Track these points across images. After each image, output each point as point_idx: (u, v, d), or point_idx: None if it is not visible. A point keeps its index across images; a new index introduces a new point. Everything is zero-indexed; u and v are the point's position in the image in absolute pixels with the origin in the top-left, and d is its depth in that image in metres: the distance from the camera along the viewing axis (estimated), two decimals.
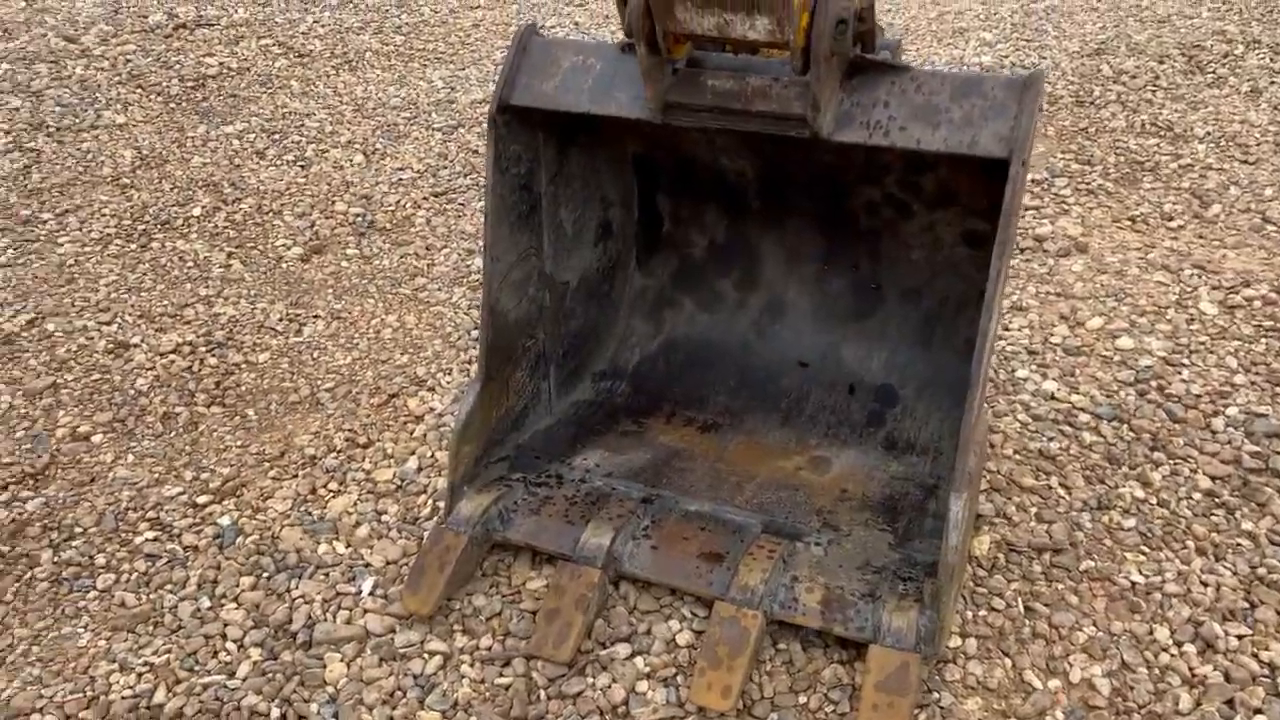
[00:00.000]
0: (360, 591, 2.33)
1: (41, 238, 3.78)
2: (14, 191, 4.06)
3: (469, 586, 2.33)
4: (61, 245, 3.73)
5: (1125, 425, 2.70)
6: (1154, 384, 2.83)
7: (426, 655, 2.18)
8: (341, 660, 2.18)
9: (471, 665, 2.16)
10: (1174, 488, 2.51)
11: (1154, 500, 2.48)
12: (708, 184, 2.79)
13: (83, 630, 2.29)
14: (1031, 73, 1.97)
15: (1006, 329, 3.08)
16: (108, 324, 3.30)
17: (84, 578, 2.42)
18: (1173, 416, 2.72)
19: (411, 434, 2.82)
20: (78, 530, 2.55)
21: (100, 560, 2.47)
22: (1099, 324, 3.07)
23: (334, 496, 2.61)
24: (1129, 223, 3.57)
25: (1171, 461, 2.58)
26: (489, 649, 2.19)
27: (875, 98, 2.04)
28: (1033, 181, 3.79)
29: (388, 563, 2.41)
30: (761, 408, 2.75)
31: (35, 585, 2.42)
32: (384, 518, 2.54)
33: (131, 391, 3.01)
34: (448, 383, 3.03)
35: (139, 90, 4.84)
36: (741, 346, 2.88)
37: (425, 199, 4.02)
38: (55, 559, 2.48)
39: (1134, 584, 2.28)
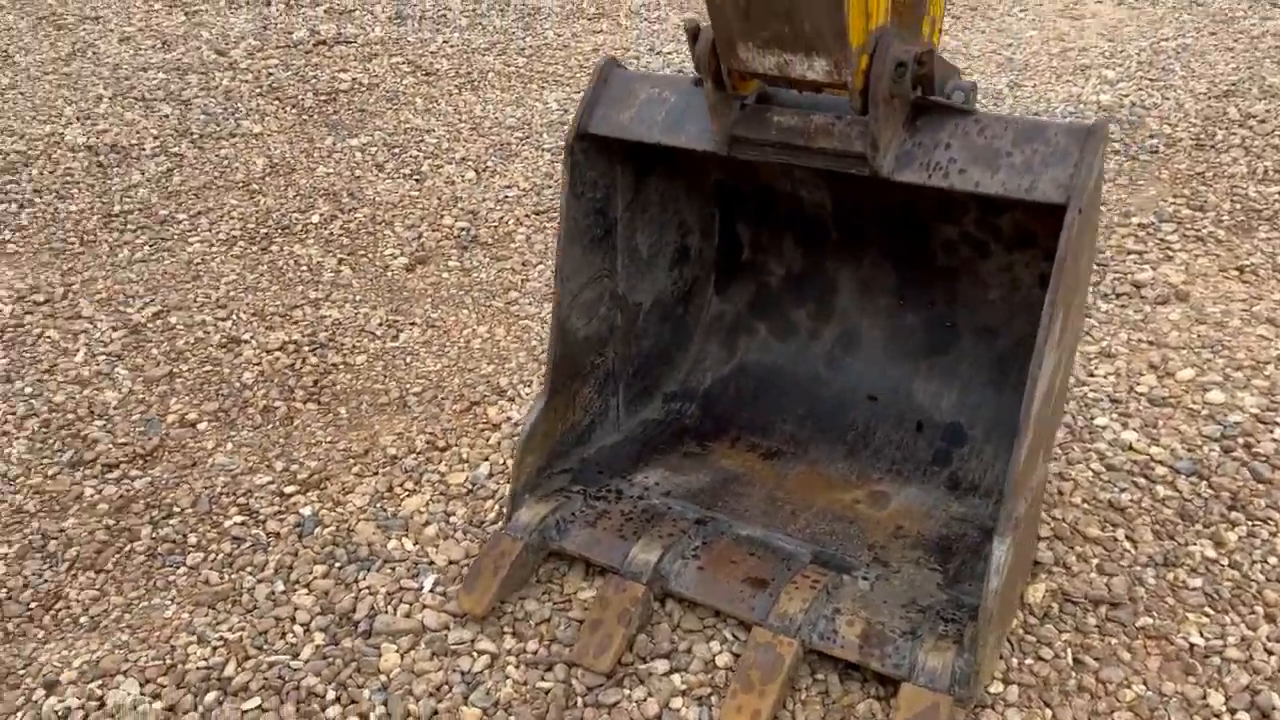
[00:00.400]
0: (421, 588, 2.45)
1: (175, 236, 4.07)
2: (156, 193, 4.38)
3: (523, 591, 2.42)
4: (191, 244, 4.01)
5: (1204, 482, 2.62)
6: (1241, 441, 2.73)
7: (475, 654, 2.28)
8: (396, 651, 2.30)
9: (516, 667, 2.24)
10: (1249, 549, 2.42)
11: (1225, 561, 2.40)
12: (786, 214, 2.83)
13: (169, 603, 2.48)
14: (1096, 120, 1.96)
15: (1091, 375, 3.02)
16: (224, 320, 3.54)
17: (176, 554, 2.62)
18: (1257, 476, 2.62)
19: (487, 441, 2.94)
20: (175, 510, 2.75)
21: (192, 539, 2.66)
22: (1190, 375, 2.98)
23: (409, 495, 2.75)
24: (1237, 273, 3.44)
25: (1250, 523, 2.49)
26: (534, 653, 2.27)
27: (938, 139, 2.06)
28: (1139, 226, 3.69)
29: (450, 562, 2.52)
30: (826, 438, 2.77)
31: (133, 558, 2.62)
32: (452, 519, 2.66)
33: (237, 384, 3.22)
34: (527, 394, 3.14)
35: (276, 102, 5.16)
36: (812, 376, 2.91)
37: (527, 216, 4.17)
38: (153, 535, 2.68)
39: (1192, 646, 2.21)
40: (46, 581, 2.56)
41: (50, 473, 2.91)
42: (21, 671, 2.32)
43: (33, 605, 2.50)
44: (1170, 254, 3.53)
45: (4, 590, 2.54)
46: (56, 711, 2.21)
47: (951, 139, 2.04)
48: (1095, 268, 3.47)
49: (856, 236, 2.79)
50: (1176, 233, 3.64)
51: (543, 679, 2.21)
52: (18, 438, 3.04)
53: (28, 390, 3.23)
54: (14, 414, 3.13)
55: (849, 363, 2.89)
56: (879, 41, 1.91)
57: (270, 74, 5.45)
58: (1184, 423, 2.81)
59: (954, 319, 2.75)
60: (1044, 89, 4.80)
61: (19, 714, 2.22)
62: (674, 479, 2.65)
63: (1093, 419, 2.84)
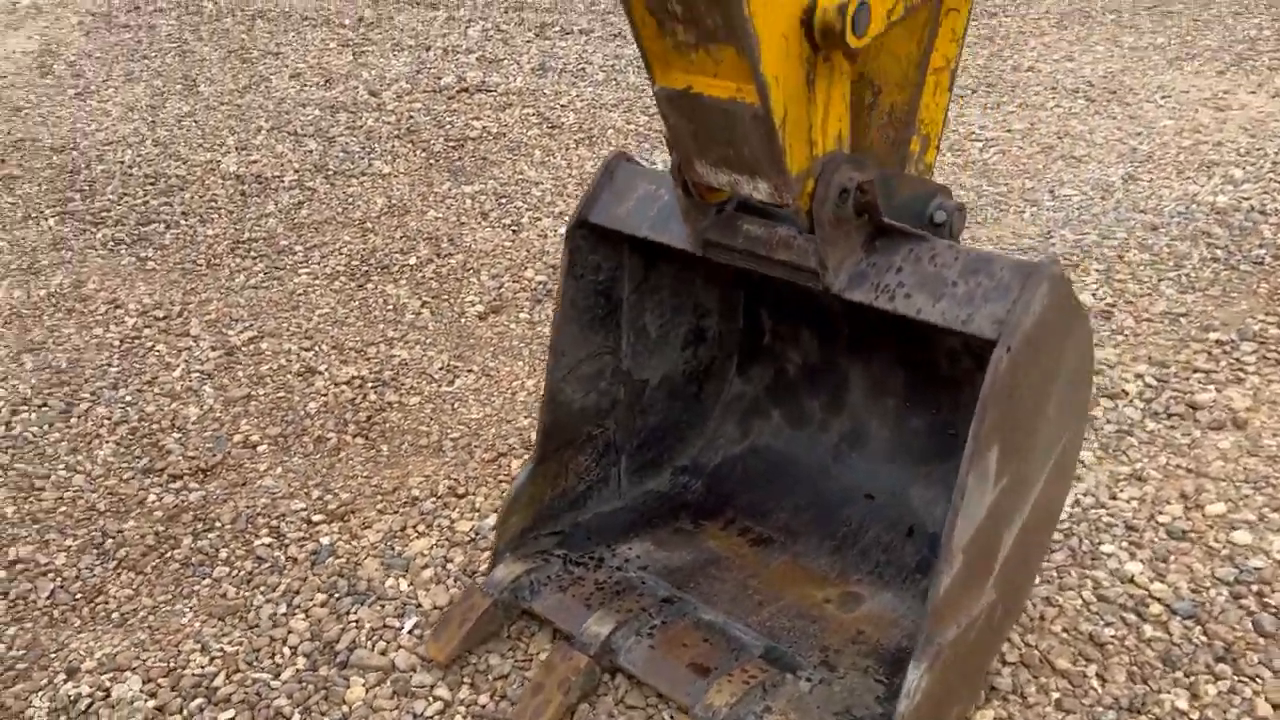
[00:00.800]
0: (402, 628, 2.64)
1: (287, 267, 4.45)
2: (282, 224, 4.80)
3: (490, 645, 2.56)
4: (299, 275, 4.38)
5: (1200, 627, 2.50)
6: (1255, 588, 2.59)
7: (431, 699, 2.44)
8: (363, 685, 2.49)
9: (465, 718, 2.39)
10: (1225, 707, 2.30)
11: (1196, 716, 2.29)
12: (802, 305, 2.89)
13: (187, 610, 2.75)
14: (1043, 259, 1.96)
15: (1114, 497, 2.92)
16: (307, 350, 3.86)
17: (205, 566, 2.90)
18: (1260, 629, 2.48)
19: (502, 493, 3.11)
20: (216, 525, 3.04)
21: (222, 554, 2.94)
22: (1220, 510, 2.84)
23: (418, 538, 2.95)
24: None
25: (1236, 678, 2.37)
26: (483, 706, 2.41)
27: (891, 262, 2.09)
28: (1215, 343, 3.52)
29: (435, 606, 2.70)
30: (817, 532, 2.80)
31: (170, 565, 2.92)
32: (449, 565, 2.84)
33: (302, 412, 3.52)
34: None
35: (410, 144, 5.54)
36: (818, 467, 2.94)
37: None
38: (192, 545, 2.97)
39: None
40: (95, 576, 2.89)
41: (125, 476, 3.27)
42: (53, 655, 2.64)
43: (78, 596, 2.83)
44: (1241, 376, 3.36)
45: (60, 579, 2.88)
46: (69, 695, 2.50)
47: (904, 263, 2.08)
48: (1152, 383, 3.34)
49: (867, 335, 2.82)
50: (1255, 354, 3.45)
51: None
52: (108, 441, 3.42)
53: (127, 398, 3.63)
54: (110, 419, 3.52)
55: (854, 459, 2.90)
56: (825, 168, 1.97)
57: (411, 117, 5.85)
58: (1198, 561, 2.69)
59: (957, 427, 2.73)
60: (1159, 185, 4.61)
61: (40, 694, 2.53)
62: (657, 554, 2.74)
63: (1099, 544, 2.76)
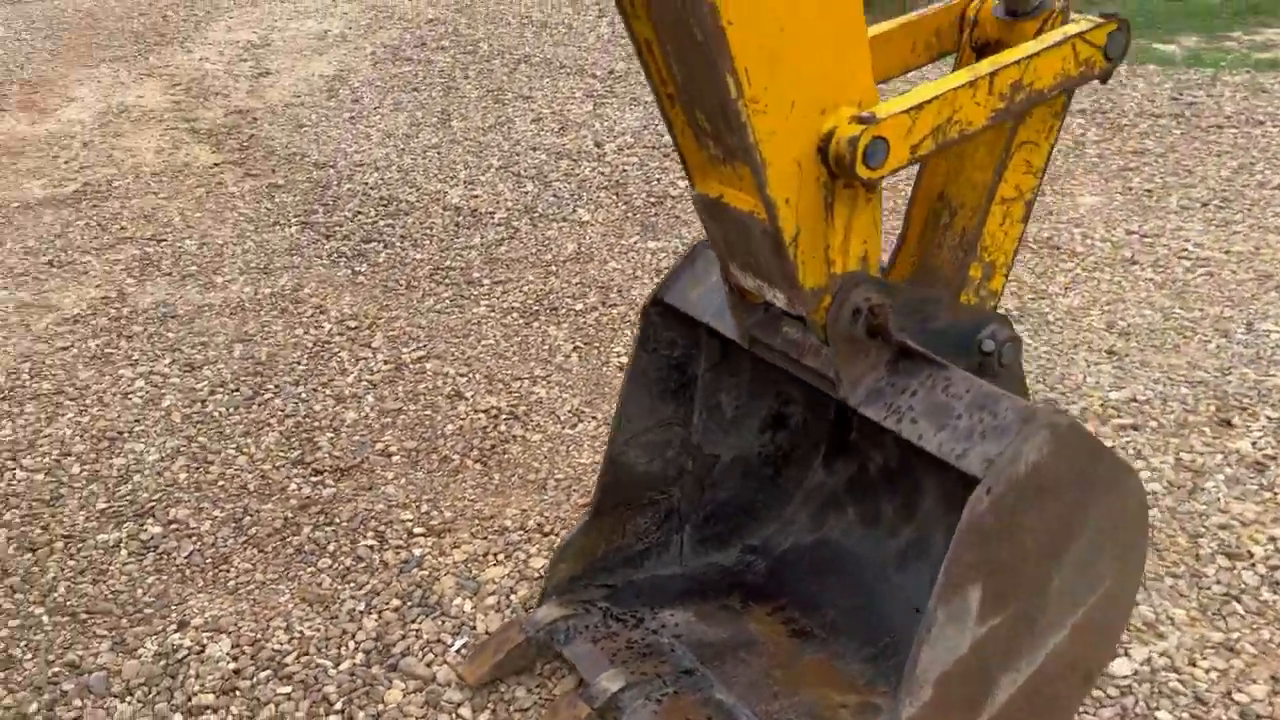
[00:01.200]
0: (451, 645, 2.88)
1: (471, 297, 4.87)
2: (481, 257, 5.24)
3: (521, 678, 2.75)
4: (479, 306, 4.78)
5: None
6: None
7: (455, 716, 2.66)
8: (402, 691, 2.74)
9: None
10: None
11: None
12: None
13: (286, 591, 3.12)
14: (1043, 406, 1.93)
15: (1192, 664, 2.72)
16: (462, 375, 4.22)
17: (313, 555, 3.27)
18: None
19: None
20: (335, 521, 3.42)
21: (330, 548, 3.30)
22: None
23: (494, 565, 3.19)
24: None
25: None
26: None
27: (908, 385, 2.12)
28: None
29: (486, 632, 2.92)
30: (860, 636, 2.79)
31: (286, 549, 3.31)
32: (512, 596, 3.06)
33: (438, 432, 3.86)
34: None
35: (614, 195, 5.88)
36: (880, 571, 2.93)
37: None
38: (309, 536, 3.36)
39: None
40: (226, 546, 3.33)
41: (277, 464, 3.72)
42: (173, 607, 3.07)
43: (208, 561, 3.27)
44: None
45: (199, 544, 3.34)
46: (173, 644, 2.92)
47: (920, 388, 2.10)
48: None
49: None
50: None
51: None
52: (275, 430, 3.91)
53: (302, 395, 4.12)
54: (282, 410, 4.01)
55: (915, 568, 2.87)
56: (842, 286, 2.04)
57: (624, 169, 6.20)
58: None
59: None
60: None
61: (154, 638, 2.96)
62: (696, 625, 2.83)
63: (1154, 710, 2.59)
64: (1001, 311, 2.40)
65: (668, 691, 2.58)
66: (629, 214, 5.68)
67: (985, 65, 2.00)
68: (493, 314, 4.71)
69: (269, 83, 8.08)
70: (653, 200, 5.83)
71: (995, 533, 1.96)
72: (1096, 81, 2.18)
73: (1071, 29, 2.09)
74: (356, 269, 5.16)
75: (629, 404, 2.72)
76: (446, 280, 5.02)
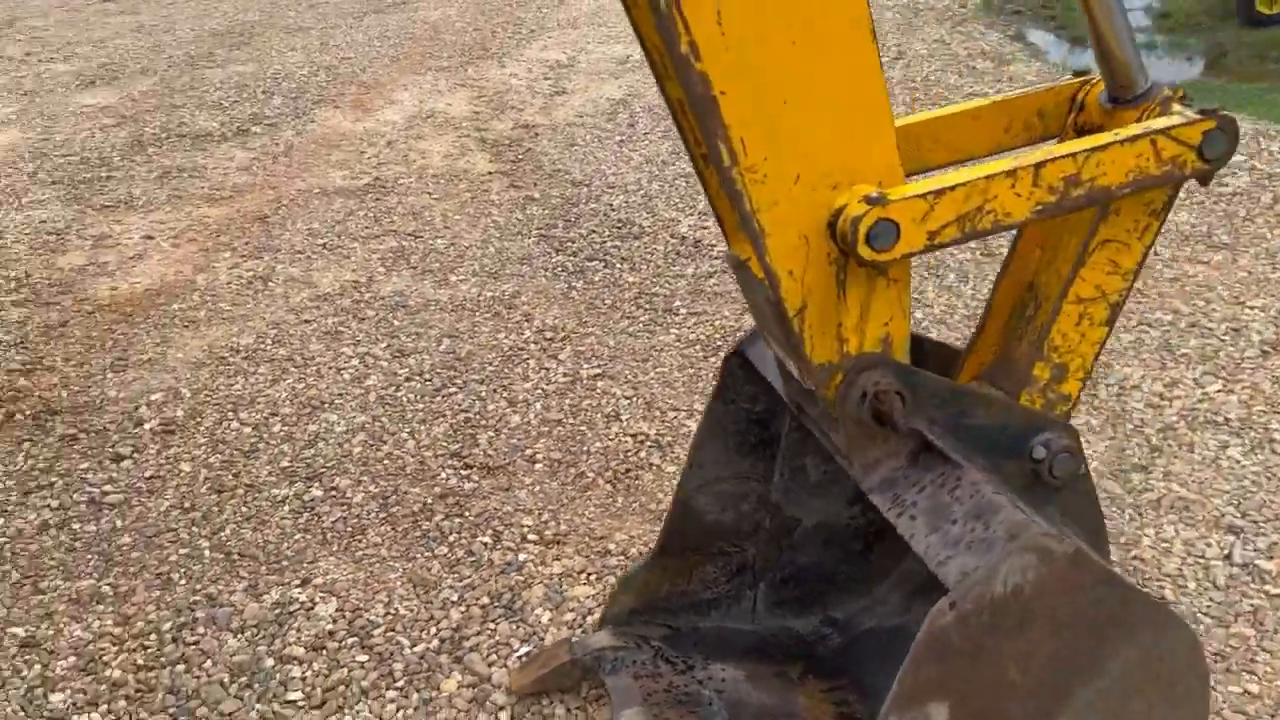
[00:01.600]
0: (515, 651, 3.02)
1: (663, 325, 5.00)
2: (688, 287, 5.37)
3: (566, 697, 2.85)
4: (668, 334, 4.91)
5: None
6: None
7: (495, 718, 2.80)
8: (457, 683, 2.92)
9: None
10: None
11: None
12: None
13: (400, 569, 3.40)
14: (1044, 527, 1.78)
15: None
16: (626, 398, 4.36)
17: (434, 542, 3.53)
18: None
19: None
20: (464, 514, 3.67)
21: (451, 538, 3.55)
22: None
23: (584, 584, 3.30)
24: None
25: None
26: None
27: (921, 479, 2.02)
28: None
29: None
30: None
31: (415, 531, 3.60)
32: (588, 617, 3.15)
33: (584, 449, 4.03)
34: None
35: None
36: None
37: None
38: (438, 523, 3.63)
39: None
40: (367, 520, 3.67)
41: (438, 452, 4.04)
42: (305, 565, 3.44)
43: (347, 530, 3.62)
44: None
45: (346, 512, 3.71)
46: (290, 598, 3.28)
47: (930, 484, 1.99)
48: None
49: None
50: None
51: None
52: (447, 422, 4.24)
53: (482, 394, 4.43)
54: (459, 405, 4.34)
55: None
56: (854, 366, 1.97)
57: None
58: None
59: None
60: None
61: (279, 588, 3.33)
62: (743, 686, 2.80)
63: None
64: (1073, 420, 2.20)
65: None
66: None
67: (1035, 154, 1.86)
68: (677, 343, 4.82)
69: (560, 101, 8.65)
70: None
71: (965, 653, 1.82)
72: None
73: (1156, 124, 1.90)
74: (572, 284, 5.45)
75: (701, 451, 2.74)
76: (648, 305, 5.19)
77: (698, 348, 4.77)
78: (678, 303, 5.20)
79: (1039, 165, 1.84)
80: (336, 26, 11.40)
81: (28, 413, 4.47)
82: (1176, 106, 1.96)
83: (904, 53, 9.26)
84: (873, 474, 2.07)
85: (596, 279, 5.51)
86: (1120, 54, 1.99)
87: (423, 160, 7.40)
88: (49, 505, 3.84)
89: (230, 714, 2.87)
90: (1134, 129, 1.89)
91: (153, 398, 4.53)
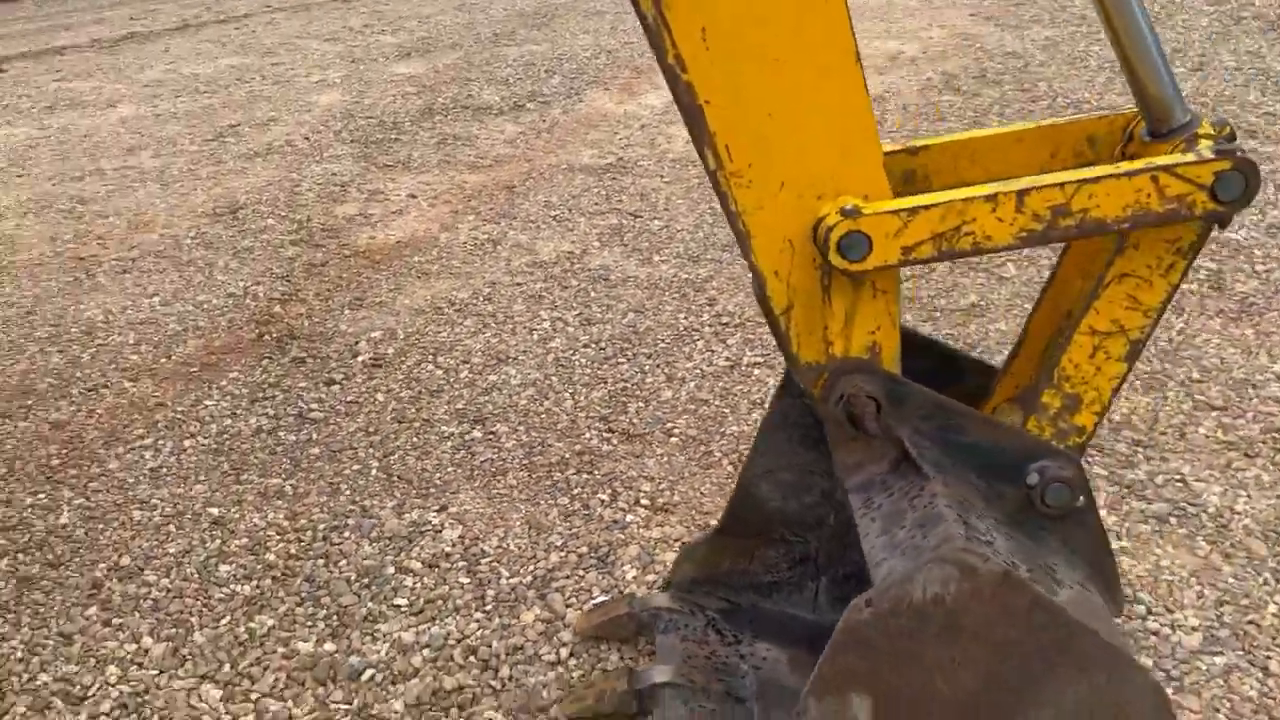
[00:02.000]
0: (595, 598, 3.30)
1: None
2: None
3: (624, 648, 3.10)
4: None
5: None
6: None
7: (558, 652, 3.10)
8: (534, 617, 3.25)
9: (558, 679, 3.02)
10: None
11: None
12: None
13: (521, 509, 3.77)
14: (959, 540, 1.83)
15: None
16: None
17: (559, 493, 3.87)
18: None
19: None
20: (593, 472, 3.98)
21: (575, 491, 3.87)
22: None
23: (674, 551, 3.51)
24: None
25: None
26: (578, 677, 3.00)
27: (894, 485, 2.10)
28: None
29: None
30: None
31: (547, 480, 3.96)
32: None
33: (722, 430, 4.22)
34: None
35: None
36: None
37: None
38: (569, 476, 3.96)
39: None
40: (509, 464, 4.06)
41: (590, 415, 4.37)
42: (446, 494, 3.89)
43: (491, 469, 4.04)
44: None
45: (495, 454, 4.12)
46: (425, 520, 3.73)
47: (899, 491, 2.06)
48: None
49: None
50: None
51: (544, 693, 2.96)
52: (607, 389, 4.56)
53: (646, 367, 4.72)
54: (623, 375, 4.66)
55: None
56: (838, 368, 2.07)
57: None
58: None
59: None
60: None
61: (418, 510, 3.80)
62: (781, 668, 2.92)
63: None
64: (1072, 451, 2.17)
65: (707, 708, 2.75)
66: None
67: (1020, 181, 1.88)
68: None
69: None
70: None
71: (885, 652, 1.90)
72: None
73: (1160, 159, 1.85)
74: None
75: (764, 439, 2.87)
76: None
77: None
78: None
79: (1023, 192, 1.86)
80: (630, 12, 12.01)
81: (274, 335, 5.26)
82: (1204, 144, 1.90)
83: (1205, 64, 8.56)
84: (855, 475, 2.16)
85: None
86: (1154, 89, 1.94)
87: (667, 145, 7.76)
88: (267, 414, 4.55)
89: (346, 606, 3.35)
90: (1136, 164, 1.86)
91: (373, 335, 5.18)
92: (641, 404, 4.43)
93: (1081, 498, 2.10)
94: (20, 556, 3.73)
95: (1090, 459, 3.85)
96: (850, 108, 1.89)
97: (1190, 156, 1.85)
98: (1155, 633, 3.07)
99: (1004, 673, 1.93)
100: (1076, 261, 2.24)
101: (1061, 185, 1.86)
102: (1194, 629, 3.07)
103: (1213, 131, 1.94)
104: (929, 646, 1.90)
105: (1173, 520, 3.52)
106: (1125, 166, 1.86)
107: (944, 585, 1.84)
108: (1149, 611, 3.14)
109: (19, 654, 3.26)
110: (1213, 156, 1.83)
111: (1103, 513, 3.55)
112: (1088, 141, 2.19)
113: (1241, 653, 2.99)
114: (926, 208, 1.88)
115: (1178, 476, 3.72)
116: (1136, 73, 1.95)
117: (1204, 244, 1.99)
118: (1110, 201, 1.86)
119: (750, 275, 2.15)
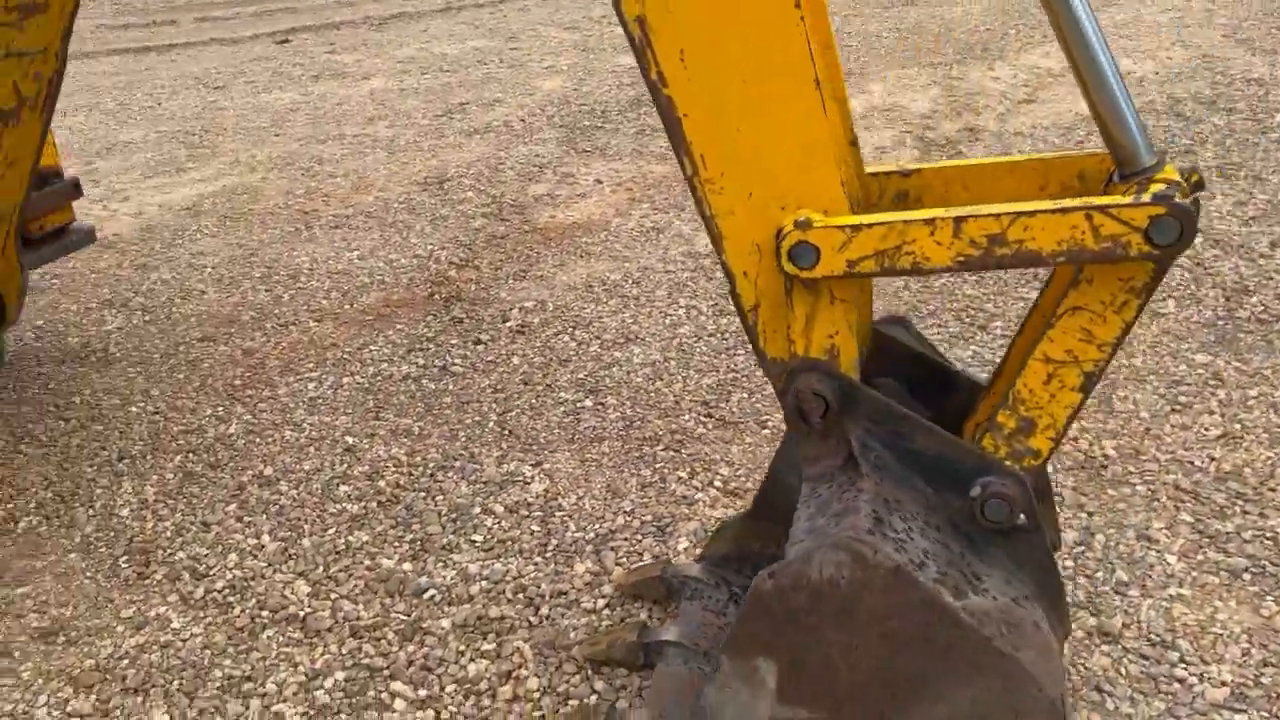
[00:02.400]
0: (643, 560, 3.59)
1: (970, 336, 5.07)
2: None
3: (655, 606, 3.37)
4: (970, 347, 4.99)
5: None
6: None
7: (595, 605, 3.42)
8: (585, 569, 3.57)
9: (588, 624, 3.33)
10: None
11: None
12: None
13: (606, 473, 4.10)
14: (866, 537, 1.99)
15: None
16: None
17: (644, 466, 4.17)
18: None
19: None
20: (681, 450, 4.25)
21: (659, 463, 4.16)
22: None
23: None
24: None
25: None
26: (604, 627, 3.31)
27: (835, 479, 2.26)
28: None
29: None
30: None
31: (638, 452, 4.26)
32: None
33: None
34: None
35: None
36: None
37: None
38: (657, 452, 4.25)
39: None
40: (608, 433, 4.40)
41: (693, 399, 4.64)
42: (544, 452, 4.28)
43: (591, 436, 4.39)
44: None
45: (601, 421, 4.47)
46: (520, 471, 4.13)
47: (838, 484, 2.22)
48: None
49: None
50: None
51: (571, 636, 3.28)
52: (718, 377, 4.81)
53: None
54: (733, 366, 4.88)
55: None
56: (797, 367, 2.26)
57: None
58: None
59: None
60: None
61: (516, 461, 4.21)
62: None
63: None
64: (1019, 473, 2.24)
65: (705, 670, 2.99)
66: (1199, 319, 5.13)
67: (960, 209, 2.00)
68: (973, 361, 4.89)
69: (1024, 110, 8.50)
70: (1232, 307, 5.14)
71: (787, 623, 2.08)
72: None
73: (1096, 200, 1.92)
74: (909, 284, 5.66)
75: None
76: (969, 319, 5.26)
77: (988, 369, 4.81)
78: (998, 323, 5.21)
79: (960, 219, 1.99)
80: (859, 15, 12.00)
81: (443, 296, 5.83)
82: (1155, 188, 1.96)
83: None
84: (812, 467, 2.34)
85: (936, 285, 5.64)
86: (1118, 135, 2.01)
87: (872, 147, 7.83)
88: (417, 363, 5.10)
89: (430, 535, 3.80)
90: (1074, 201, 1.95)
91: (526, 304, 5.65)
92: (745, 394, 4.64)
93: (1022, 516, 2.19)
94: (190, 456, 4.43)
95: (1180, 504, 3.76)
96: (807, 129, 2.07)
97: (1128, 199, 1.92)
98: (1181, 680, 3.02)
99: (899, 663, 2.07)
100: (1057, 287, 2.31)
101: (998, 216, 1.97)
102: (1223, 684, 3.00)
103: (1176, 177, 1.99)
104: (827, 626, 2.07)
105: (1246, 576, 3.41)
106: (1064, 203, 1.95)
107: (837, 569, 2.01)
108: (1182, 659, 3.09)
109: (169, 533, 3.92)
110: (1149, 201, 1.89)
111: (1171, 559, 3.49)
112: (1078, 177, 2.25)
113: (1268, 716, 2.90)
114: (870, 226, 2.05)
115: (1270, 534, 3.57)
116: (1103, 119, 2.02)
117: (1158, 284, 2.04)
118: (1045, 235, 1.96)
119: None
